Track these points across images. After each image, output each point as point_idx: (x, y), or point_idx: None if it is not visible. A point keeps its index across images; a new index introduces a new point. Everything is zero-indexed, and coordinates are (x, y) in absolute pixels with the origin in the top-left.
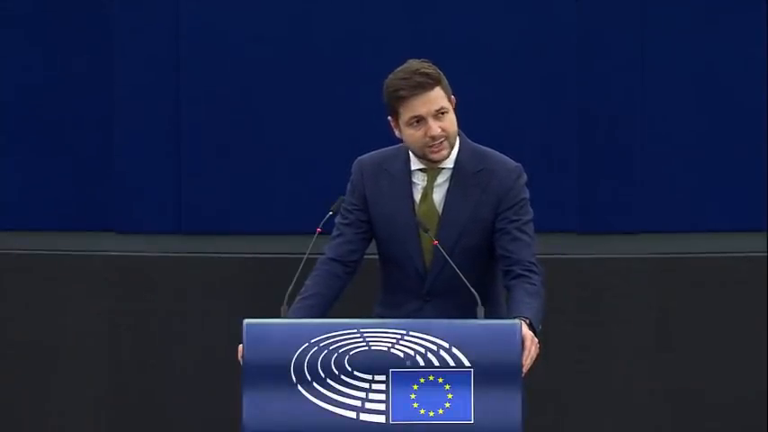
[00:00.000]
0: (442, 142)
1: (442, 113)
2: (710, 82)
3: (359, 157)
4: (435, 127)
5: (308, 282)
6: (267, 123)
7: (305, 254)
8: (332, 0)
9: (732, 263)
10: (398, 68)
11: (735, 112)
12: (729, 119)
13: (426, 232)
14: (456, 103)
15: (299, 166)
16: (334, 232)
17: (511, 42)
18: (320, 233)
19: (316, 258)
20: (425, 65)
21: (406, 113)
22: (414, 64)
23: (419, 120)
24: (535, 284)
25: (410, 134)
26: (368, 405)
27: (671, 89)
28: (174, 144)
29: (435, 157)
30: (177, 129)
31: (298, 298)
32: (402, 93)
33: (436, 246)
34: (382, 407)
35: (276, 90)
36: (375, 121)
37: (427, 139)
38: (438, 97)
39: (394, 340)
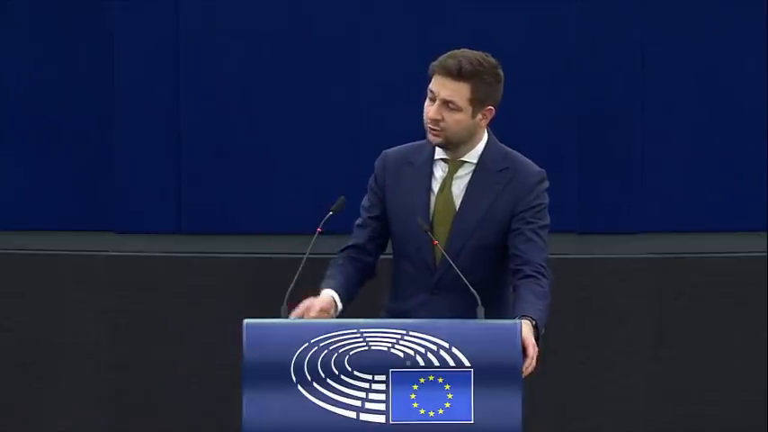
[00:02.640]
0: (436, 129)
1: (449, 106)
2: (710, 82)
3: (384, 150)
4: (435, 110)
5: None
6: (267, 123)
7: (305, 254)
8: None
9: (732, 263)
10: (464, 48)
11: (735, 112)
12: (729, 119)
13: (427, 233)
14: (493, 115)
15: (299, 166)
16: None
17: (511, 42)
18: (320, 233)
19: (316, 258)
20: (474, 60)
21: (430, 84)
22: (465, 53)
23: (432, 96)
24: (543, 287)
25: (425, 105)
26: (368, 405)
27: (671, 89)
28: (174, 144)
29: (429, 137)
30: (177, 129)
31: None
32: (433, 65)
33: (445, 242)
34: (382, 407)
35: (276, 90)
36: (375, 121)
37: (428, 117)
38: (454, 90)
39: (394, 340)
